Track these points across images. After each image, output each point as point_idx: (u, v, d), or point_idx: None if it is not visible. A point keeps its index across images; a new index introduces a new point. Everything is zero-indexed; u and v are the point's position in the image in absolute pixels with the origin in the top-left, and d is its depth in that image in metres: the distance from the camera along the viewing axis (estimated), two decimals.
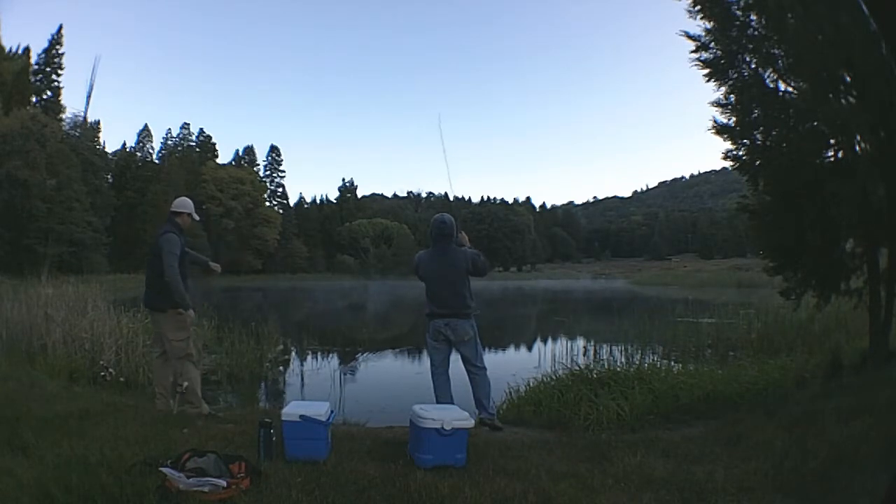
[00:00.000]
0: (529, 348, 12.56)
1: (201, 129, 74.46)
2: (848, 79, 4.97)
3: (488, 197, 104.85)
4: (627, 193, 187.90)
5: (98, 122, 58.15)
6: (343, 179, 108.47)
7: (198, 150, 71.31)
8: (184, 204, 4.94)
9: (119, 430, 3.81)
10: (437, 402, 4.40)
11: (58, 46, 52.83)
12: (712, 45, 5.64)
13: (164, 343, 4.96)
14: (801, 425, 3.75)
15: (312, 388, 7.43)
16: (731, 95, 5.64)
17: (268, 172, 77.73)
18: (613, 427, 4.52)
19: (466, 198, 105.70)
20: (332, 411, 3.70)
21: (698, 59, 5.70)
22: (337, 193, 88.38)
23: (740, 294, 22.94)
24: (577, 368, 5.99)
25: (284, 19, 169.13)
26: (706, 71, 5.68)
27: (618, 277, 71.17)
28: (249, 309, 21.36)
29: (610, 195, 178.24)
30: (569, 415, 4.81)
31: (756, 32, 5.55)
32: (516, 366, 7.78)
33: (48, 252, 37.08)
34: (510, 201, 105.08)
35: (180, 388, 4.47)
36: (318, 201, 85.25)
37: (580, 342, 10.04)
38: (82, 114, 54.08)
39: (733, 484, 3.02)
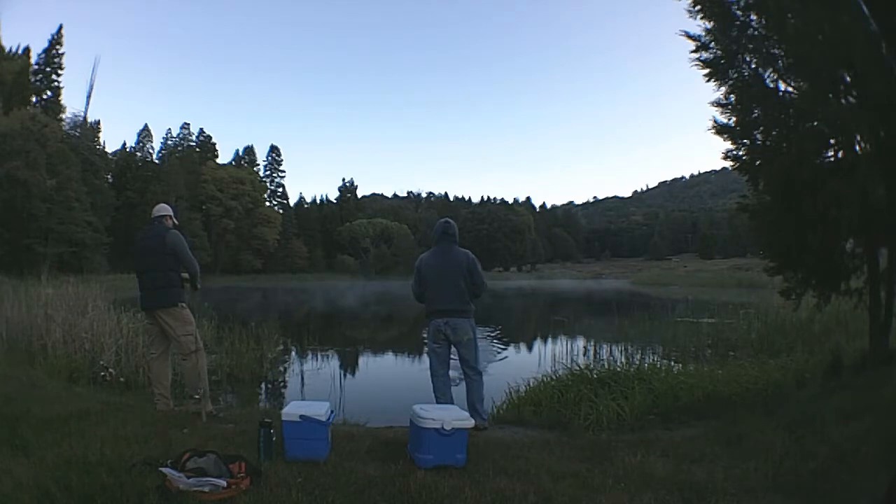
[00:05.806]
0: (529, 348, 12.55)
1: (201, 129, 74.79)
2: (848, 79, 4.96)
3: (488, 197, 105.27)
4: (627, 193, 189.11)
5: (98, 122, 58.47)
6: (343, 179, 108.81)
7: (198, 150, 71.39)
8: (165, 208, 5.23)
9: (119, 430, 3.81)
10: (437, 403, 4.40)
11: (58, 46, 52.99)
12: (712, 45, 5.62)
13: (164, 343, 4.97)
14: (801, 425, 3.74)
15: (312, 388, 7.41)
16: (731, 95, 5.62)
17: (268, 172, 77.89)
18: (613, 427, 4.52)
19: (466, 198, 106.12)
20: (332, 411, 3.70)
21: (698, 59, 5.68)
22: (337, 193, 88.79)
23: (740, 294, 22.90)
24: (577, 368, 5.99)
25: (284, 19, 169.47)
26: (706, 71, 5.66)
27: (618, 277, 71.13)
28: (249, 309, 21.36)
29: (610, 195, 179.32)
30: (569, 415, 4.81)
31: (756, 32, 5.53)
32: (516, 365, 7.77)
33: (48, 252, 37.15)
34: (510, 201, 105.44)
35: (197, 396, 4.45)
36: (318, 201, 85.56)
37: (580, 342, 10.02)
38: (82, 114, 54.29)
39: (733, 484, 3.01)
